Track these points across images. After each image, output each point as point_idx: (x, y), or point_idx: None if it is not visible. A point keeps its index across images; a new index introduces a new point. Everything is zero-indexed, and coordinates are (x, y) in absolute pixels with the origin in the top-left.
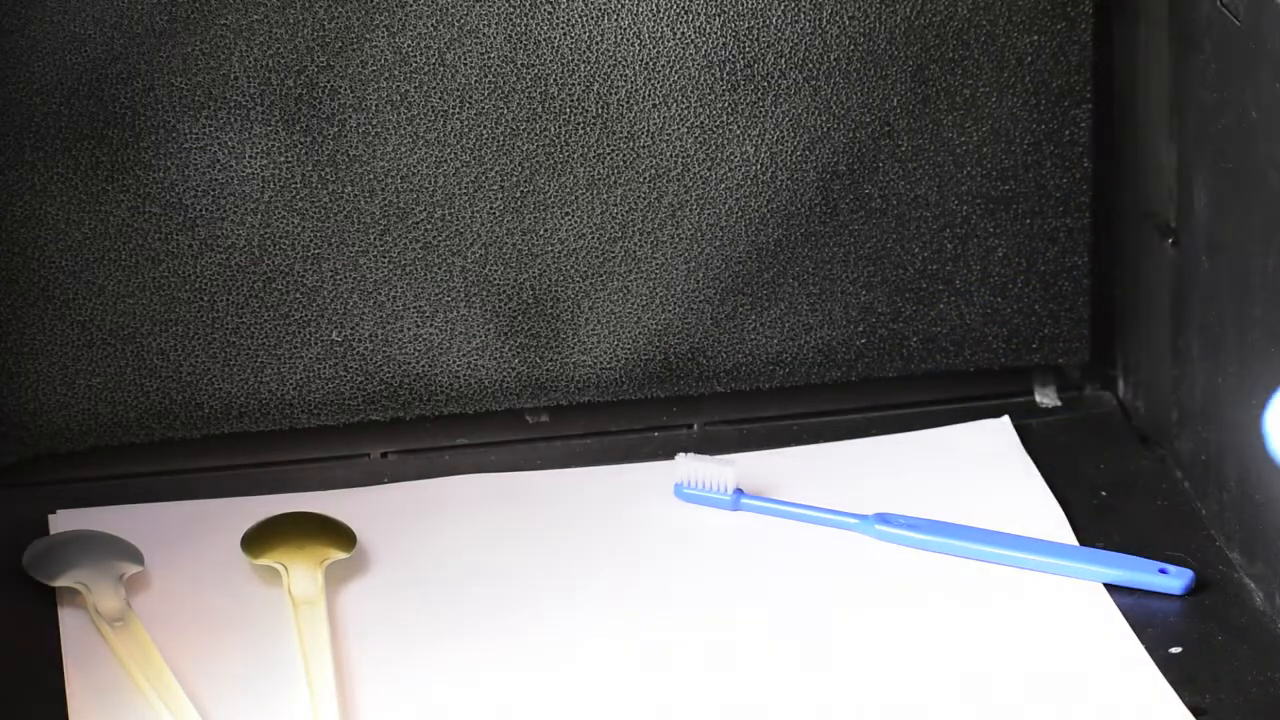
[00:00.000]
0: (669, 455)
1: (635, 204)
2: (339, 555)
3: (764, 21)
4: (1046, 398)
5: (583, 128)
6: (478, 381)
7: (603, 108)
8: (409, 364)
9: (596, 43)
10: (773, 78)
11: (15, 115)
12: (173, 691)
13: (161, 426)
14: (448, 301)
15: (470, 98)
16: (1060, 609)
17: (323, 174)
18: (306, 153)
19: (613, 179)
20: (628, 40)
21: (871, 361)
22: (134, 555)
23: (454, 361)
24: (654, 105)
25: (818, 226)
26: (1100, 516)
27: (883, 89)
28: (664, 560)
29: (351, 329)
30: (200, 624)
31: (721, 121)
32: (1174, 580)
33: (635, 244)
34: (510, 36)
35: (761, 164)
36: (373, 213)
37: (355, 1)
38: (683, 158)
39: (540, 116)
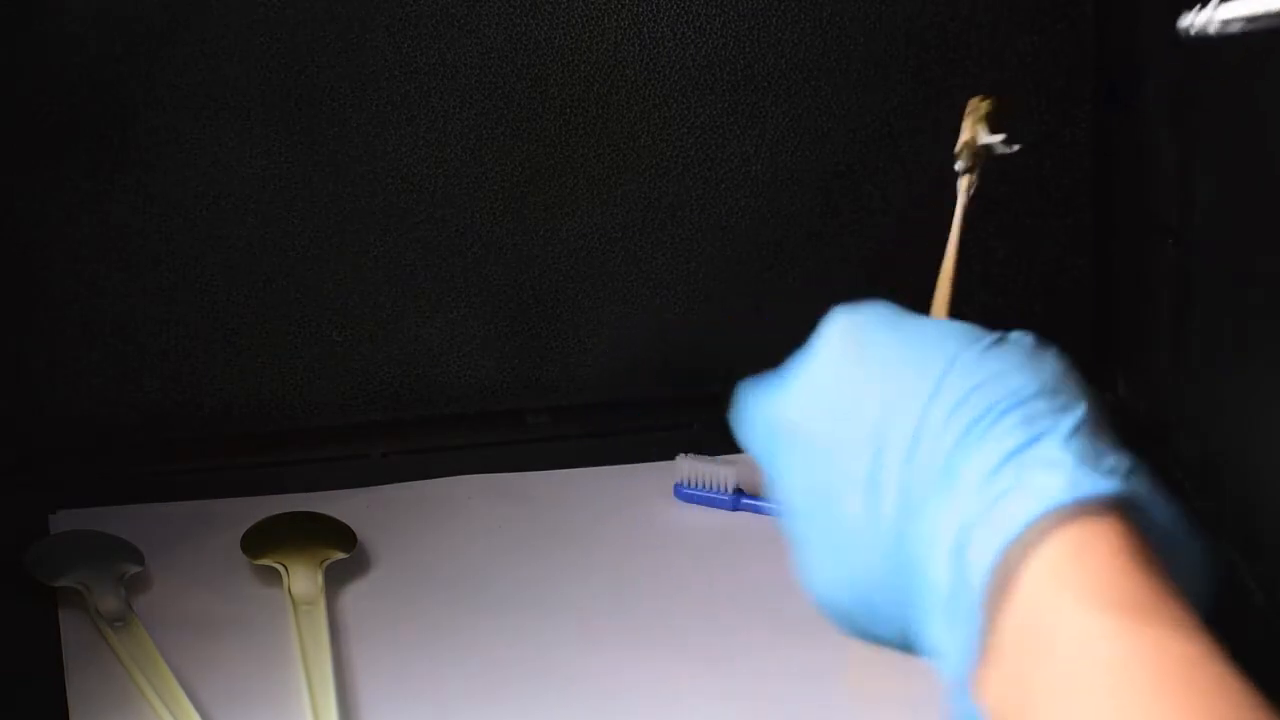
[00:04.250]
0: (669, 455)
1: (635, 204)
2: (339, 555)
3: (764, 21)
4: None
5: (583, 128)
6: (478, 381)
7: (603, 108)
8: (409, 364)
9: (596, 43)
10: (773, 78)
11: (15, 115)
12: (173, 692)
13: (161, 426)
14: (448, 301)
15: (470, 98)
16: None
17: (323, 174)
18: (306, 153)
19: (613, 179)
20: (628, 40)
21: None
22: (134, 555)
23: (454, 361)
24: (654, 105)
25: (818, 226)
26: None
27: (883, 89)
28: (663, 560)
29: (351, 329)
30: (200, 624)
31: (721, 121)
32: None
33: (635, 244)
34: (510, 36)
35: (761, 164)
36: (373, 213)
37: (355, 1)
38: (683, 158)
39: (540, 116)
